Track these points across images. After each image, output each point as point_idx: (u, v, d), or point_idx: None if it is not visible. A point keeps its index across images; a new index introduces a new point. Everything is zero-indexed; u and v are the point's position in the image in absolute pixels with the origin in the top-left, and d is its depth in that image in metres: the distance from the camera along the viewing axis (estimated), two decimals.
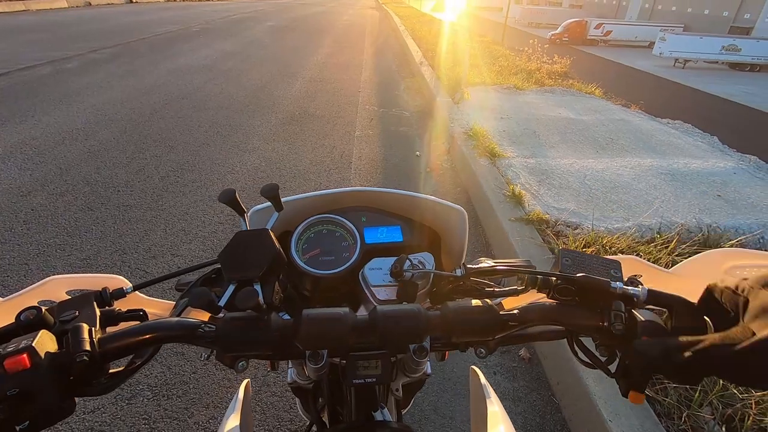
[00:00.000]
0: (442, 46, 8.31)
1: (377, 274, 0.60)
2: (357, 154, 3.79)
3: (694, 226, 2.44)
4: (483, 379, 0.72)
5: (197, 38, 9.78)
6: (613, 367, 0.47)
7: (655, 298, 0.44)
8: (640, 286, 0.45)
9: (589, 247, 2.15)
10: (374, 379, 0.47)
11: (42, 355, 0.34)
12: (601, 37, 14.89)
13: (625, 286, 0.45)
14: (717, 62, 11.09)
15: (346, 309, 0.46)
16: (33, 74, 5.88)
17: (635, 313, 0.44)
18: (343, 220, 0.67)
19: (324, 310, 0.45)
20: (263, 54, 8.31)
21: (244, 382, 0.74)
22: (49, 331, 0.37)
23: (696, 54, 10.73)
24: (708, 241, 2.27)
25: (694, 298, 0.43)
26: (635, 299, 0.44)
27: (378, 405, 0.59)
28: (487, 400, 0.65)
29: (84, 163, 3.34)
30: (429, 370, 0.79)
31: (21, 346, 0.33)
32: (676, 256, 2.09)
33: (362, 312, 0.51)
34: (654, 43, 11.53)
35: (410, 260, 0.58)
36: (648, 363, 0.38)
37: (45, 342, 0.35)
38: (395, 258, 0.59)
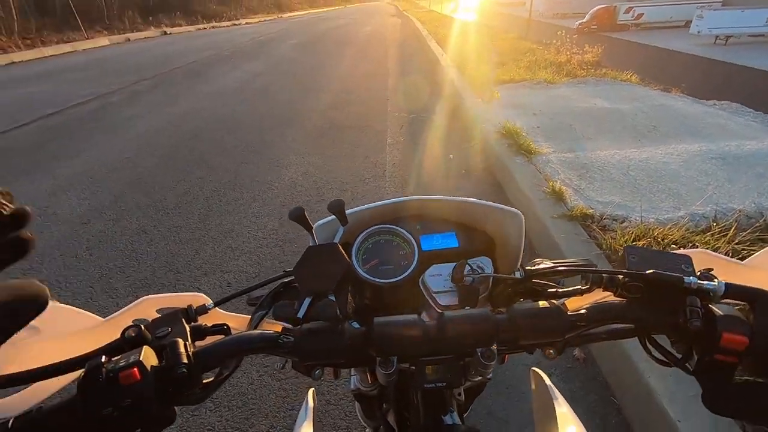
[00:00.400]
0: (466, 47, 8.26)
1: (438, 280, 0.61)
2: (390, 161, 3.82)
3: (753, 211, 2.30)
4: (548, 381, 0.72)
5: (228, 62, 10.18)
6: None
7: (733, 291, 0.42)
8: (715, 280, 0.44)
9: (640, 240, 2.06)
10: (444, 384, 0.48)
11: (148, 368, 0.37)
12: (633, 21, 14.32)
13: (699, 281, 0.43)
14: (763, 35, 10.41)
15: (416, 316, 0.47)
16: (83, 110, 6.31)
17: (713, 308, 0.42)
18: (400, 229, 0.68)
19: (395, 317, 0.46)
20: (290, 71, 8.55)
21: (310, 390, 0.76)
22: (150, 346, 0.41)
23: (739, 29, 10.13)
24: None
25: None
26: (711, 294, 0.43)
27: (447, 409, 0.59)
28: (554, 402, 0.65)
29: (134, 189, 3.55)
30: (490, 374, 0.79)
31: (131, 360, 0.37)
32: (736, 244, 1.98)
33: (427, 319, 0.52)
34: (690, 22, 10.98)
35: (470, 265, 0.58)
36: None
37: (149, 356, 0.38)
38: (454, 264, 0.59)
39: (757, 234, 2.03)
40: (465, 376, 0.62)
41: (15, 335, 0.47)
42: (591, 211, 2.40)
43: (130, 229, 2.92)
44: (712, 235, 2.07)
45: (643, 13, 14.24)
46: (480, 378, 0.62)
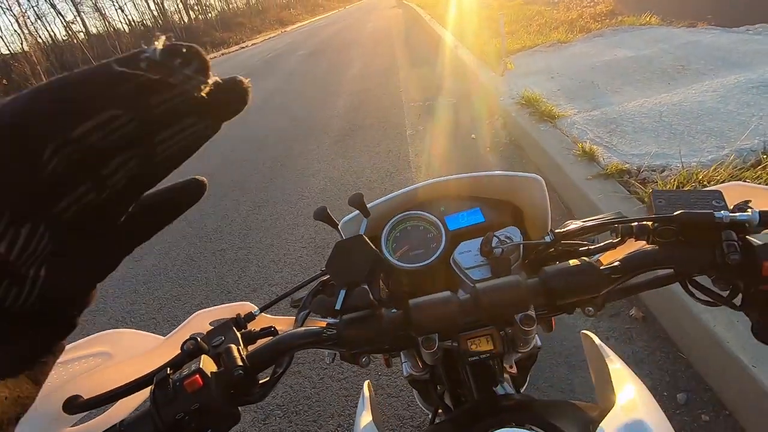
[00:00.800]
0: (472, 23, 8.09)
1: (468, 256, 0.61)
2: (413, 151, 3.81)
3: None
4: (597, 340, 0.71)
5: None
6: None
7: None
8: (749, 210, 0.42)
9: (683, 187, 1.97)
10: (488, 354, 0.49)
11: (209, 374, 0.41)
12: None
13: (731, 214, 0.42)
14: None
15: (448, 292, 0.48)
16: None
17: (750, 239, 0.41)
18: (424, 213, 0.70)
19: (429, 297, 0.48)
20: (302, 82, 8.68)
21: (366, 382, 0.79)
22: (207, 355, 0.44)
23: None
24: None
25: None
26: (746, 225, 0.41)
27: (497, 380, 0.60)
28: (607, 360, 0.64)
29: (177, 220, 3.69)
30: (539, 343, 0.79)
31: (192, 369, 0.40)
32: None
33: (462, 294, 0.53)
34: None
35: (497, 237, 0.59)
36: None
37: (208, 364, 0.42)
38: (482, 238, 0.60)
39: None
40: (508, 348, 0.63)
41: (93, 362, 0.52)
42: (627, 165, 2.31)
43: (179, 259, 3.08)
44: (764, 168, 1.94)
45: None
46: (528, 347, 0.63)
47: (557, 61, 4.81)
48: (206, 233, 3.36)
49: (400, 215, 0.71)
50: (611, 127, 2.86)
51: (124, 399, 0.47)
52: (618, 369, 0.60)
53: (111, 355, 0.53)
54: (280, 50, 16.56)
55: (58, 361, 0.51)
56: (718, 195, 0.45)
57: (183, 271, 2.91)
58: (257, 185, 4.02)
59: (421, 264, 0.65)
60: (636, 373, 0.60)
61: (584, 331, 0.79)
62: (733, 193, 0.49)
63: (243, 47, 23.62)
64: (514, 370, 0.79)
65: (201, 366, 0.41)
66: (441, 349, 0.48)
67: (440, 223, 0.68)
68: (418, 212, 0.70)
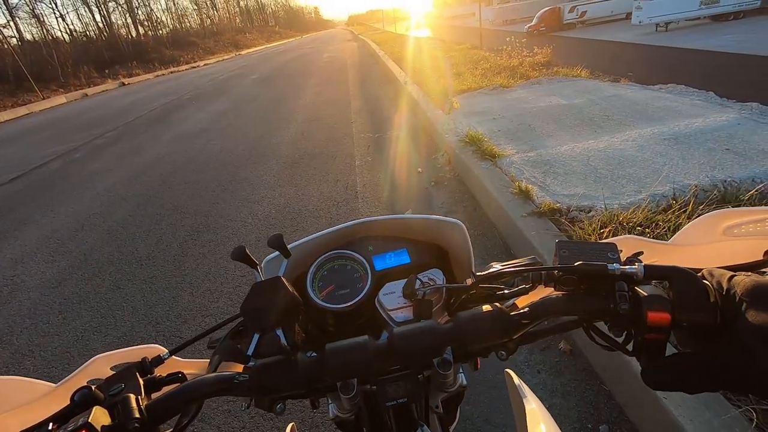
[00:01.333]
0: (423, 62, 8.48)
1: (392, 297, 0.62)
2: (361, 182, 3.85)
3: (708, 184, 2.41)
4: (517, 380, 0.73)
5: (190, 105, 10.17)
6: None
7: (653, 272, 0.45)
8: (636, 263, 0.46)
9: (606, 227, 2.13)
10: (405, 399, 0.49)
11: (99, 429, 0.37)
12: (577, 19, 15.00)
13: (622, 266, 0.46)
14: (699, 18, 11.04)
15: (366, 337, 0.48)
16: (45, 171, 6.17)
17: (638, 290, 0.45)
18: (351, 253, 0.70)
19: (345, 341, 0.47)
20: (254, 106, 8.59)
21: (289, 426, 0.76)
22: (101, 406, 0.40)
23: (675, 15, 10.71)
24: (726, 196, 2.24)
25: (696, 264, 0.44)
26: (635, 277, 0.45)
27: (417, 424, 0.60)
28: (524, 400, 0.66)
29: (105, 244, 3.47)
30: (464, 382, 0.80)
31: (79, 423, 0.37)
32: (696, 218, 2.06)
33: (385, 336, 0.54)
34: (631, 13, 11.56)
35: (419, 279, 0.60)
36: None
37: (99, 417, 0.38)
38: (406, 279, 0.61)
39: (714, 206, 2.12)
40: (432, 389, 0.63)
41: None
42: (558, 205, 2.47)
43: (104, 286, 2.85)
44: (674, 212, 2.15)
45: (586, 11, 14.93)
46: (454, 388, 0.63)
47: (498, 103, 5.13)
48: (137, 258, 3.14)
49: (327, 254, 0.70)
50: (545, 168, 3.07)
51: None
52: (533, 409, 0.62)
53: None
54: (232, 73, 16.35)
55: None
56: (614, 247, 0.49)
57: (107, 300, 2.69)
58: (198, 210, 3.86)
59: (346, 305, 0.65)
60: (558, 405, 0.62)
61: (507, 370, 0.82)
62: (627, 245, 0.54)
63: (194, 66, 23.11)
64: (440, 410, 0.79)
65: (90, 419, 0.37)
66: (360, 394, 0.48)
67: (367, 264, 0.69)
68: (346, 251, 0.70)
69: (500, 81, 6.11)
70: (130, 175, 5.24)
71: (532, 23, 14.81)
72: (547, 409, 0.65)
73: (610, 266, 0.45)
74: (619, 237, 0.55)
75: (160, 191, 4.50)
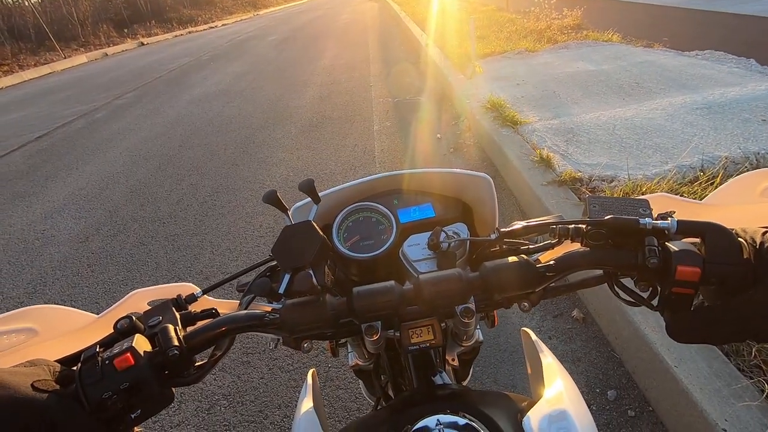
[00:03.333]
0: (446, 25, 8.18)
1: (416, 249, 0.63)
2: (379, 147, 3.82)
3: (739, 156, 2.32)
4: (534, 336, 0.75)
5: (208, 66, 10.10)
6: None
7: (685, 227, 0.44)
8: (669, 219, 0.46)
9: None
10: (428, 344, 0.51)
11: (141, 353, 0.40)
12: None
13: (654, 221, 0.46)
14: None
15: (392, 282, 0.49)
16: (69, 130, 6.29)
17: (668, 245, 0.44)
18: (377, 205, 0.71)
19: (372, 285, 0.49)
20: (272, 68, 8.49)
21: (310, 371, 0.79)
22: (142, 335, 0.43)
23: None
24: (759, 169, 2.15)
25: (730, 224, 0.43)
26: (666, 231, 0.45)
27: (436, 370, 0.62)
28: (540, 355, 0.68)
29: (129, 202, 3.57)
30: (481, 338, 0.82)
31: (124, 347, 0.39)
32: (733, 178, 2.00)
33: (406, 285, 0.55)
34: None
35: (445, 232, 0.61)
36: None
37: (141, 343, 0.41)
38: (431, 232, 0.62)
39: None
40: (450, 341, 0.65)
41: (15, 339, 0.50)
42: (579, 174, 2.42)
43: (129, 243, 2.95)
44: (700, 184, 2.09)
45: None
46: (471, 342, 0.65)
47: (523, 68, 4.95)
48: (159, 217, 3.23)
49: (353, 205, 0.71)
50: (568, 136, 2.99)
51: None
52: (550, 364, 0.63)
53: (37, 331, 0.51)
54: (251, 34, 16.08)
55: None
56: (645, 203, 0.49)
57: (132, 255, 2.79)
58: (217, 171, 3.91)
59: (370, 254, 0.66)
60: (568, 370, 0.64)
61: (524, 328, 0.83)
62: (658, 202, 0.53)
63: (212, 27, 22.79)
64: (456, 363, 0.81)
65: (133, 344, 0.40)
66: (383, 339, 0.49)
67: (392, 216, 0.70)
68: (372, 203, 0.71)
69: (526, 45, 5.86)
70: (151, 136, 5.31)
71: None
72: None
73: (641, 220, 0.45)
74: (651, 194, 0.54)
75: (180, 152, 4.56)
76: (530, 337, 0.77)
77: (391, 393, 0.81)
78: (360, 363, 0.83)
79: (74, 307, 0.56)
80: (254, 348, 1.92)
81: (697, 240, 0.45)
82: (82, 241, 3.07)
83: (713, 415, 1.18)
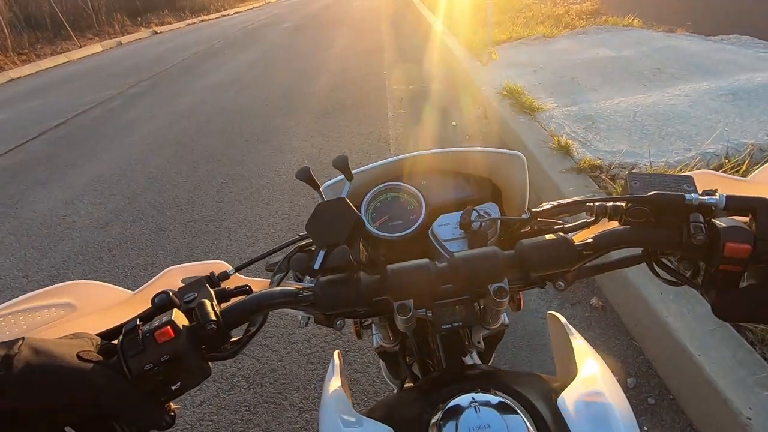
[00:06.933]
0: (460, 10, 8.03)
1: (446, 229, 0.63)
2: (393, 135, 3.80)
3: (767, 143, 2.25)
4: (563, 320, 0.74)
5: (222, 54, 10.10)
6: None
7: (734, 203, 0.43)
8: (716, 194, 0.44)
9: None
10: (461, 323, 0.50)
11: (180, 327, 0.40)
12: None
13: (700, 197, 0.44)
14: None
15: (427, 260, 0.49)
16: (86, 118, 6.37)
17: (715, 221, 0.43)
18: (406, 185, 0.71)
19: (406, 263, 0.49)
20: (285, 56, 8.46)
21: (336, 352, 0.80)
22: (179, 309, 0.44)
23: None
24: None
25: None
26: (713, 208, 0.43)
27: (467, 350, 0.62)
28: (571, 337, 0.67)
29: (147, 189, 3.61)
30: (507, 321, 0.82)
31: (164, 320, 0.40)
32: None
33: (445, 260, 0.54)
34: None
35: (476, 211, 0.60)
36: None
37: (179, 317, 0.42)
38: (461, 212, 0.61)
39: None
40: (481, 316, 0.65)
41: (54, 313, 0.51)
42: (599, 161, 2.38)
43: (148, 228, 3.00)
44: (725, 172, 2.04)
45: None
46: (497, 324, 0.65)
47: (541, 55, 4.85)
48: (177, 203, 3.27)
49: (382, 185, 0.71)
50: (587, 123, 2.93)
51: None
52: (581, 345, 0.63)
53: (75, 307, 0.52)
54: (263, 21, 16.01)
55: (16, 309, 0.49)
56: (690, 180, 0.47)
57: (151, 241, 2.84)
58: (232, 158, 3.93)
59: (401, 234, 0.66)
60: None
61: (550, 312, 0.83)
62: (701, 180, 0.52)
63: (225, 15, 22.72)
64: (481, 346, 0.82)
65: (173, 317, 0.41)
66: (415, 317, 0.49)
67: (421, 196, 0.69)
68: (401, 183, 0.71)
69: (543, 30, 5.74)
70: (166, 123, 5.35)
71: None
72: None
73: (687, 196, 0.43)
74: (694, 171, 0.52)
75: (196, 139, 4.59)
76: (558, 320, 0.76)
77: (418, 374, 0.81)
78: (385, 345, 0.84)
79: None
80: (273, 332, 1.95)
81: (744, 218, 0.44)
82: (102, 227, 3.13)
83: (737, 403, 1.17)
